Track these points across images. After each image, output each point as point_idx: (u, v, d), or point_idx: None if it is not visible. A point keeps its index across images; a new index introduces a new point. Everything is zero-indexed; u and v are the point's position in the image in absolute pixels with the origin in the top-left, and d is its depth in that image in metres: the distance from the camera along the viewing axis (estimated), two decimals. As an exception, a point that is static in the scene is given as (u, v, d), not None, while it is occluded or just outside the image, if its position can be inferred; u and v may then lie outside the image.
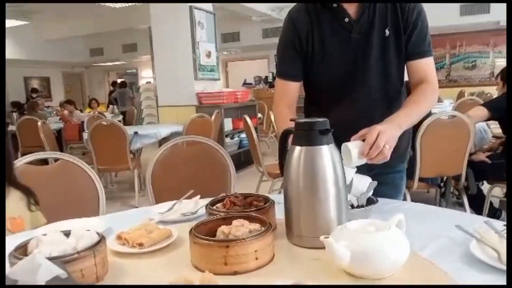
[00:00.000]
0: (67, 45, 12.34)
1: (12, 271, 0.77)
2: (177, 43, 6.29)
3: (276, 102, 1.61)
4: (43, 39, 11.59)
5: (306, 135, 1.08)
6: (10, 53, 11.45)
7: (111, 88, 12.85)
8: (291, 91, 1.58)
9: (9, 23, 9.50)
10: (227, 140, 6.29)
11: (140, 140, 4.96)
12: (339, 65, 1.50)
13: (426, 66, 1.48)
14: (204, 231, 1.05)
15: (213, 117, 5.62)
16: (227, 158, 2.17)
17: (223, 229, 1.03)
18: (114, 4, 8.69)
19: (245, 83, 12.21)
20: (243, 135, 6.32)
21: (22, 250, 0.95)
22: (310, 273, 0.93)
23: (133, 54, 12.47)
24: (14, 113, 8.91)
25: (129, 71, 14.48)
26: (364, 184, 1.27)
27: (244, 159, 6.41)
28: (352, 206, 1.23)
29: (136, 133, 5.01)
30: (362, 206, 1.24)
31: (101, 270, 0.95)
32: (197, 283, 0.80)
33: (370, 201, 1.26)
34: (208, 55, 6.56)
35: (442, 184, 3.50)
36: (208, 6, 6.64)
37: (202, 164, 2.18)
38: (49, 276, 0.77)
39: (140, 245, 1.10)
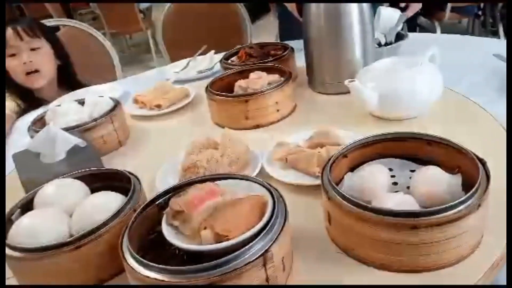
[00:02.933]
0: None
1: (32, 145, 0.77)
2: None
3: None
4: None
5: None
6: None
7: None
8: None
9: None
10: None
11: (146, -3, 4.64)
12: None
13: None
14: (222, 87, 1.00)
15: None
16: (241, 7, 2.00)
17: (240, 83, 0.97)
18: None
19: None
20: (257, -20, 5.80)
21: (40, 123, 0.94)
22: (335, 119, 0.89)
23: None
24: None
25: None
26: (392, 17, 1.14)
27: (261, 6, 6.00)
28: (380, 45, 1.12)
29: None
30: (391, 44, 1.13)
31: (122, 135, 0.94)
32: (218, 140, 0.77)
33: (399, 37, 1.15)
34: None
35: (480, 12, 3.19)
36: None
37: (214, 15, 2.03)
38: (67, 146, 0.76)
39: (158, 106, 1.07)
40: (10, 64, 1.32)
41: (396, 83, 0.79)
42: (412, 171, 0.60)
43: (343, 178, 0.61)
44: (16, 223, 0.58)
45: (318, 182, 0.61)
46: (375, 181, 0.56)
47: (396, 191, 0.57)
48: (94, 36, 1.80)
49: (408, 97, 0.79)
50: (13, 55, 1.31)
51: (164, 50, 1.98)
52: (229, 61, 1.17)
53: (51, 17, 4.63)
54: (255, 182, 0.58)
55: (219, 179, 0.60)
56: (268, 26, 4.72)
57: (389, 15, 1.13)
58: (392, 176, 0.60)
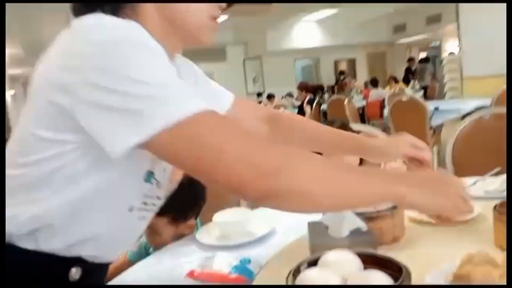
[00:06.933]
0: (370, 25, 12.85)
1: (323, 218, 0.94)
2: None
3: None
4: (349, 24, 12.53)
5: None
6: (322, 40, 13.10)
7: (407, 64, 12.50)
8: None
9: (320, 14, 10.79)
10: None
11: (441, 115, 4.74)
12: None
13: None
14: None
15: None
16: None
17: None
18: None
19: None
20: None
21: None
22: None
23: (437, 26, 11.74)
24: (327, 93, 10.20)
25: (432, 44, 13.83)
26: None
27: None
28: None
29: (436, 108, 4.81)
30: None
31: (398, 232, 1.01)
32: (499, 261, 0.73)
33: None
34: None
35: None
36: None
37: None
38: (352, 226, 0.89)
39: (438, 217, 1.09)
40: None
41: None
42: None
43: None
44: (304, 272, 0.73)
45: None
46: None
47: None
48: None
49: None
50: None
51: (451, 167, 1.98)
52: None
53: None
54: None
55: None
56: None
57: None
58: None
